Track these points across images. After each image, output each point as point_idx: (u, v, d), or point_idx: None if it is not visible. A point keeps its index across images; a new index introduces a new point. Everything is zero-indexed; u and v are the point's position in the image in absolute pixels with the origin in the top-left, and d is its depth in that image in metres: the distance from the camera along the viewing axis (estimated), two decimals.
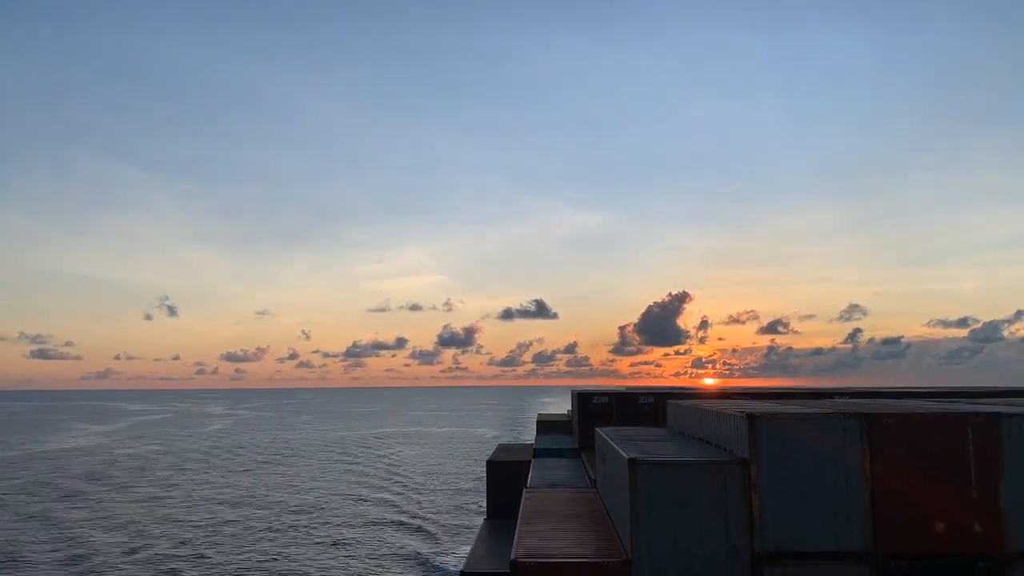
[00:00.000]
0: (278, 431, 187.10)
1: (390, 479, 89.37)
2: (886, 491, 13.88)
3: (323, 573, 46.19)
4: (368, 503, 72.06)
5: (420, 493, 77.88)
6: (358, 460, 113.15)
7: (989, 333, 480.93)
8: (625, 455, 14.69)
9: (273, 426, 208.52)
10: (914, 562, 13.66)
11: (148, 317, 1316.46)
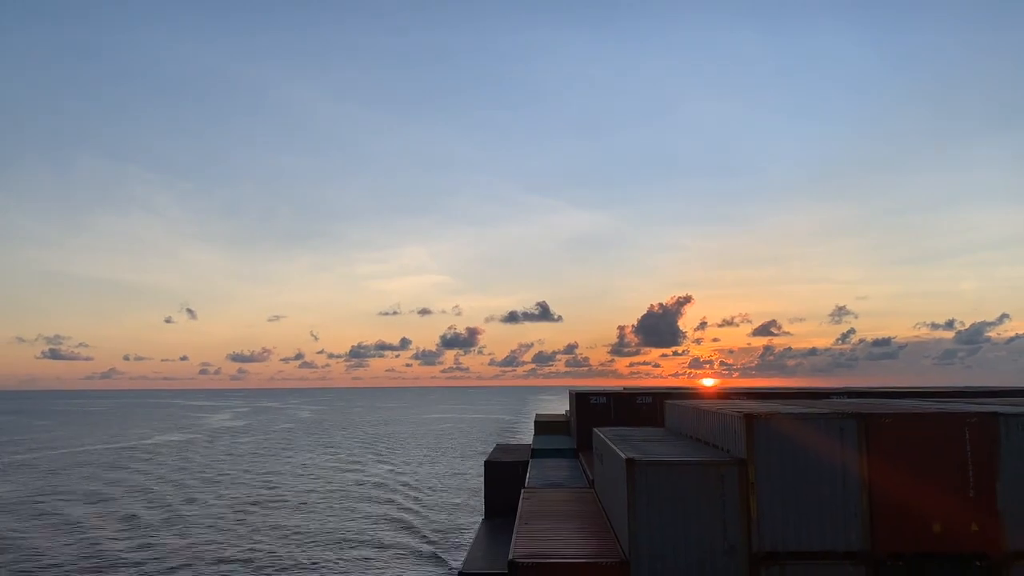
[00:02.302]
0: (359, 415, 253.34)
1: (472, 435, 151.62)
2: (883, 491, 13.93)
3: None
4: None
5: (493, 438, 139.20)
6: (441, 430, 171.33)
7: (972, 336, 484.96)
8: (623, 455, 14.73)
9: (347, 414, 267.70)
10: (911, 562, 13.71)
11: (169, 320, 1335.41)
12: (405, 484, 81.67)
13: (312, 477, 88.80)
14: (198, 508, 68.76)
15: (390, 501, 70.48)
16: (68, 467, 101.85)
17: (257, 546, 52.31)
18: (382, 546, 51.23)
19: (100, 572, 45.53)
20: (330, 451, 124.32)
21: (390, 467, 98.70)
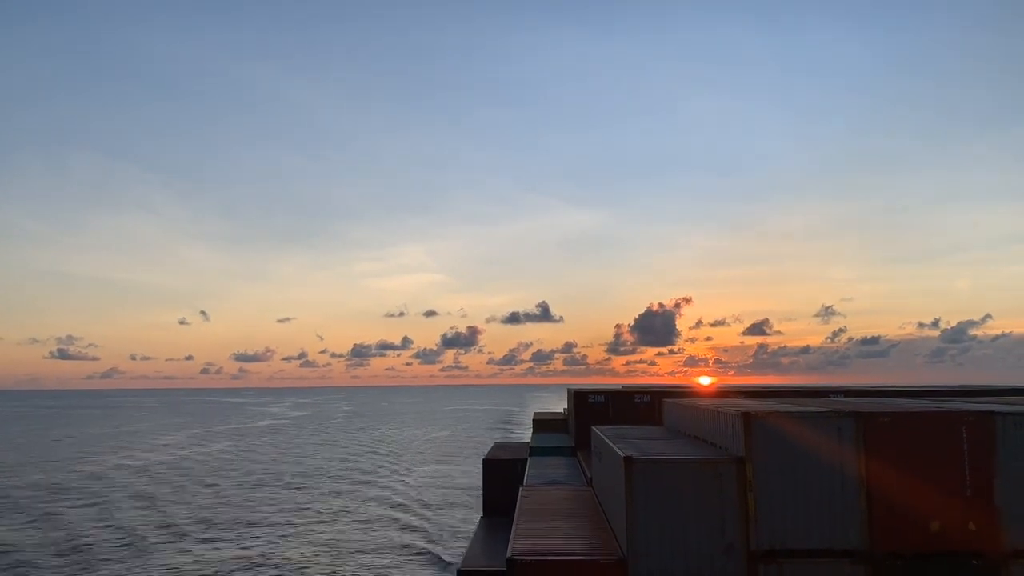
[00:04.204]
0: (393, 407, 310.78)
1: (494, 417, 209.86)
2: (881, 489, 13.93)
3: None
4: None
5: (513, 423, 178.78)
6: (468, 416, 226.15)
7: (957, 335, 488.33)
8: (621, 453, 14.72)
9: (381, 406, 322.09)
10: (909, 560, 13.72)
11: (183, 321, 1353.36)
12: (469, 433, 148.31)
13: (417, 437, 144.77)
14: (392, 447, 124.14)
15: (471, 446, 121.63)
16: (247, 436, 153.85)
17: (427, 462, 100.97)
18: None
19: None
20: (402, 426, 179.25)
21: (451, 432, 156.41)
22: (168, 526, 58.15)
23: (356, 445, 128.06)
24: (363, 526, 57.56)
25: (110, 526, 58.22)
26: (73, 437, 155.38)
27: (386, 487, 78.08)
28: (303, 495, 73.08)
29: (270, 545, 51.38)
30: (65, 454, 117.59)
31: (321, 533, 55.11)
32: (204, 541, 52.94)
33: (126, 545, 51.73)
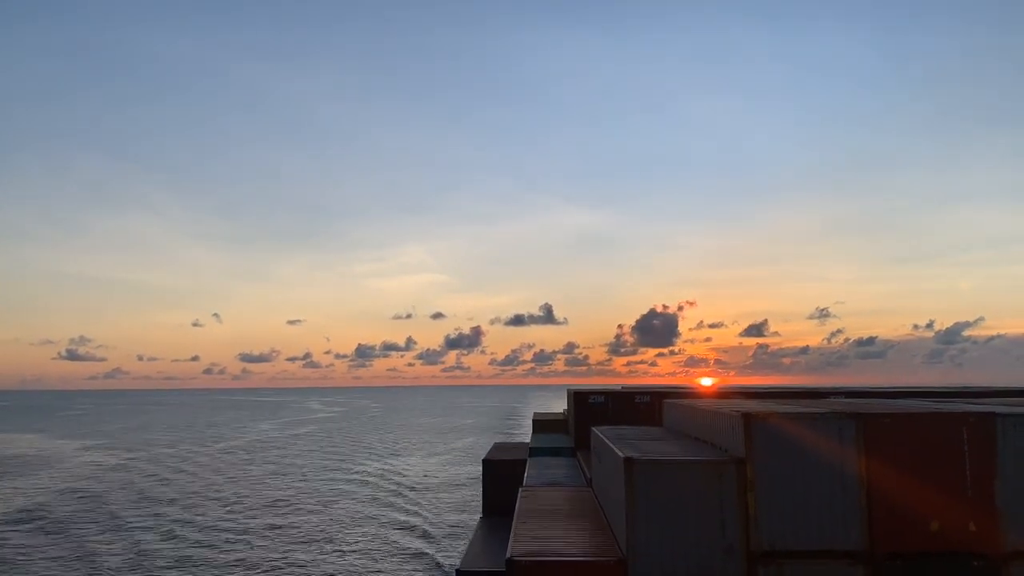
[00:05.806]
0: (415, 404, 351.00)
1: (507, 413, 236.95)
2: (881, 490, 13.89)
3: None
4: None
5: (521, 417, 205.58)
6: (484, 409, 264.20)
7: (951, 336, 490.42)
8: (621, 454, 14.68)
9: (403, 404, 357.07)
10: (909, 561, 13.68)
11: (196, 323, 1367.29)
12: (487, 421, 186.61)
13: (451, 422, 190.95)
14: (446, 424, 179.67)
15: (491, 427, 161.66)
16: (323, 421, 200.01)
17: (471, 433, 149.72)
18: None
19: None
20: (435, 416, 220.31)
21: (474, 420, 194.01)
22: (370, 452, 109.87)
23: (424, 425, 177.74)
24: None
25: (331, 453, 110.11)
26: (191, 426, 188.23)
27: (470, 442, 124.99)
28: (451, 439, 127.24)
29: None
30: (216, 433, 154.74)
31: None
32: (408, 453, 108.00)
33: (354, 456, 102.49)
